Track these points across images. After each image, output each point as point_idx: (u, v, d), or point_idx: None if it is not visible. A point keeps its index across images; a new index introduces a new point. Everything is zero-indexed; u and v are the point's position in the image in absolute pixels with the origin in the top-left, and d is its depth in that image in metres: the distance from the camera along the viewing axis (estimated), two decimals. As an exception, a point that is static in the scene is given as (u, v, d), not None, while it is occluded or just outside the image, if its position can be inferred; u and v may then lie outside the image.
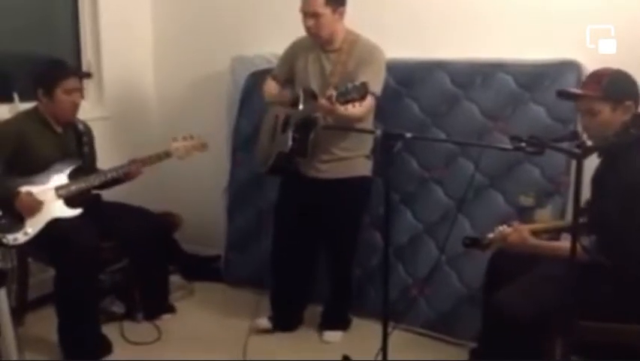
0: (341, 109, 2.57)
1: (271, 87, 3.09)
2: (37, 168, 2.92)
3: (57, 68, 3.05)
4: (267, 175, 3.15)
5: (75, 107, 3.01)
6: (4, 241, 2.80)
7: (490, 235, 2.37)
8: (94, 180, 3.01)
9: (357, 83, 2.52)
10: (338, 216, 2.99)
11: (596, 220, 2.17)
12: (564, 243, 2.17)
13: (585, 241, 2.11)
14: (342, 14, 2.86)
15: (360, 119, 2.76)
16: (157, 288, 3.33)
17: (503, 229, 2.34)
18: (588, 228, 2.15)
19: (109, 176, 3.04)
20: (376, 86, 2.79)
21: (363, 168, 2.99)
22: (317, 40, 2.91)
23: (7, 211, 2.81)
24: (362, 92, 2.50)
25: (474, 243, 2.40)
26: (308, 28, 2.85)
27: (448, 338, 3.03)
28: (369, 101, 2.73)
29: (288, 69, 3.06)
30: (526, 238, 2.29)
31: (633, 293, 2.10)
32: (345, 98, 2.52)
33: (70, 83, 2.96)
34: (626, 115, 2.15)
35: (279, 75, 3.10)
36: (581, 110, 2.26)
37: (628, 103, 2.14)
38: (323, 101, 2.63)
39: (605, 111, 2.15)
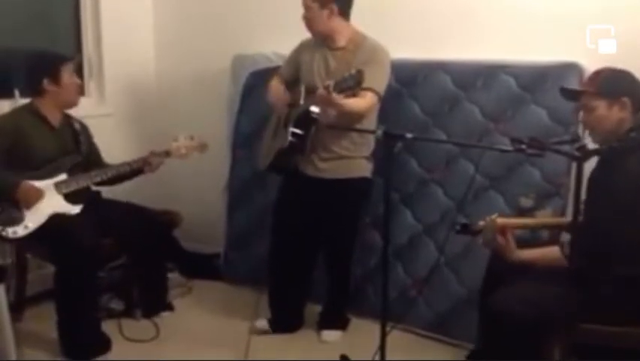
0: (339, 100, 2.55)
1: (276, 88, 3.07)
2: (37, 164, 2.92)
3: (55, 55, 3.14)
4: (268, 172, 3.14)
5: (79, 89, 3.08)
6: (4, 234, 2.79)
7: (481, 223, 2.39)
8: (94, 176, 3.02)
9: (352, 71, 2.49)
10: (337, 216, 2.99)
11: (588, 221, 2.17)
12: (548, 250, 2.23)
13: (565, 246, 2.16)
14: (333, 11, 2.82)
15: (360, 114, 2.74)
16: (156, 285, 3.34)
17: (495, 217, 2.35)
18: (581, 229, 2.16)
19: (110, 174, 3.04)
20: (379, 85, 2.78)
21: (364, 169, 2.98)
22: (313, 36, 2.93)
23: (8, 204, 2.80)
24: (357, 79, 2.47)
25: (464, 229, 2.45)
26: (304, 22, 2.89)
27: (446, 338, 3.02)
28: (372, 98, 2.73)
29: (293, 69, 3.05)
30: (512, 252, 2.29)
31: (632, 295, 2.10)
32: (341, 86, 2.51)
33: (71, 65, 3.03)
34: (623, 111, 2.17)
35: (284, 74, 3.10)
36: (581, 107, 2.30)
37: (624, 99, 2.16)
38: (320, 91, 2.62)
39: (601, 107, 2.18)
